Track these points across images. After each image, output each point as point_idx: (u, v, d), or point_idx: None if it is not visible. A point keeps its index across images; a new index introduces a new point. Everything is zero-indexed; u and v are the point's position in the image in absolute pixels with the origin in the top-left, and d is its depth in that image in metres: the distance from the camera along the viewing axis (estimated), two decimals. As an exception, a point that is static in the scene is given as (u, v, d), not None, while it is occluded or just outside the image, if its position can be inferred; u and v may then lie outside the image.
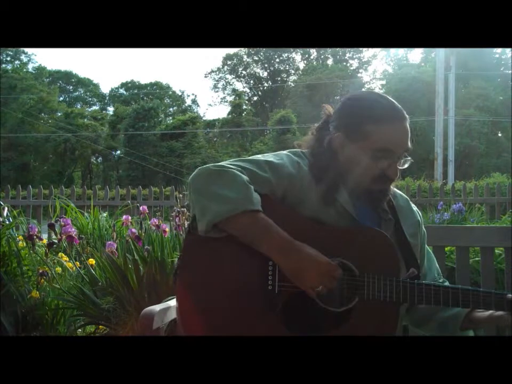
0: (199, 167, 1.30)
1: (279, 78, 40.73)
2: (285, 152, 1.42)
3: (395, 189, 1.50)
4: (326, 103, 1.51)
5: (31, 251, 2.83)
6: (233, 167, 1.28)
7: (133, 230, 2.87)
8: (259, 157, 1.37)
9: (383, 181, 1.35)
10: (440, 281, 1.51)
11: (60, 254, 2.94)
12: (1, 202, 3.54)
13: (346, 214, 1.35)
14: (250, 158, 1.36)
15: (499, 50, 30.03)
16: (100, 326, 2.65)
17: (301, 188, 1.33)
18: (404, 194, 1.54)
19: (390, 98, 1.39)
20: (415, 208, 1.53)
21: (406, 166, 1.37)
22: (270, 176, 1.30)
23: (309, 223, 1.30)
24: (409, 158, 1.37)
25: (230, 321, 1.23)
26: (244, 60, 40.52)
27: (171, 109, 40.91)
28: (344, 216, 1.34)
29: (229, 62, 40.26)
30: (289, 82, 39.83)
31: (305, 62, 41.03)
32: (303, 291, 1.23)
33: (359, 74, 39.10)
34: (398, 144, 1.33)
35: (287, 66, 41.27)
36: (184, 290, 1.26)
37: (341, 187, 1.36)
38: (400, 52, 37.61)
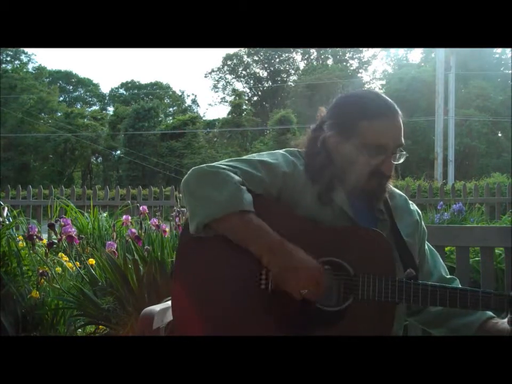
0: (193, 168, 1.32)
1: (279, 78, 40.69)
2: (281, 151, 1.42)
3: (394, 189, 1.50)
4: (326, 103, 1.50)
5: (31, 251, 2.83)
6: (226, 167, 1.29)
7: (133, 230, 2.87)
8: (254, 155, 1.38)
9: (378, 177, 1.35)
10: (448, 277, 1.50)
11: (60, 254, 2.94)
12: (1, 202, 3.54)
13: (343, 214, 1.34)
14: (244, 157, 1.37)
15: (499, 50, 30.04)
16: (100, 326, 2.65)
17: (296, 187, 1.33)
18: (403, 194, 1.54)
19: (382, 95, 1.40)
20: (413, 207, 1.52)
21: (401, 161, 1.37)
22: (264, 176, 1.31)
23: (305, 223, 1.30)
24: (404, 153, 1.37)
25: (224, 320, 1.24)
26: (244, 59, 40.48)
27: (171, 109, 40.86)
28: (341, 216, 1.34)
29: (229, 62, 40.23)
30: (289, 82, 39.80)
31: (305, 62, 41.02)
32: None
33: (359, 74, 39.08)
34: (390, 139, 1.34)
35: (287, 66, 41.25)
36: (179, 289, 1.27)
37: (337, 187, 1.36)
38: (400, 52, 37.61)
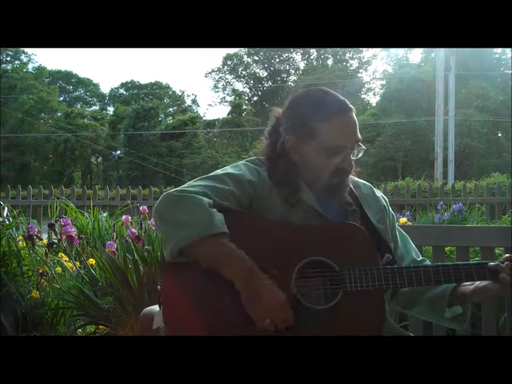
0: (163, 193, 1.32)
1: (279, 78, 40.70)
2: (242, 162, 1.44)
3: (357, 179, 1.52)
4: (281, 104, 1.51)
5: (31, 251, 2.84)
6: (195, 190, 1.29)
7: (133, 230, 2.87)
8: (218, 171, 1.40)
9: (340, 174, 1.38)
10: (419, 259, 1.52)
11: (59, 254, 2.95)
12: (1, 202, 3.54)
13: (314, 212, 1.37)
14: (210, 174, 1.38)
15: (499, 50, 30.02)
16: (100, 326, 2.65)
17: (264, 193, 1.35)
18: (367, 183, 1.56)
19: (332, 92, 1.40)
20: (379, 194, 1.55)
21: (360, 155, 1.40)
22: (233, 188, 1.32)
23: (282, 226, 1.31)
24: (362, 147, 1.39)
25: (219, 330, 1.23)
26: (244, 59, 40.48)
27: (171, 109, 40.84)
28: (312, 215, 1.36)
29: (229, 62, 40.22)
30: (289, 82, 39.79)
31: (305, 62, 41.01)
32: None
33: (359, 74, 39.06)
34: (347, 138, 1.36)
35: (287, 66, 41.25)
36: (169, 312, 1.27)
37: (303, 186, 1.38)
38: (400, 52, 37.53)
